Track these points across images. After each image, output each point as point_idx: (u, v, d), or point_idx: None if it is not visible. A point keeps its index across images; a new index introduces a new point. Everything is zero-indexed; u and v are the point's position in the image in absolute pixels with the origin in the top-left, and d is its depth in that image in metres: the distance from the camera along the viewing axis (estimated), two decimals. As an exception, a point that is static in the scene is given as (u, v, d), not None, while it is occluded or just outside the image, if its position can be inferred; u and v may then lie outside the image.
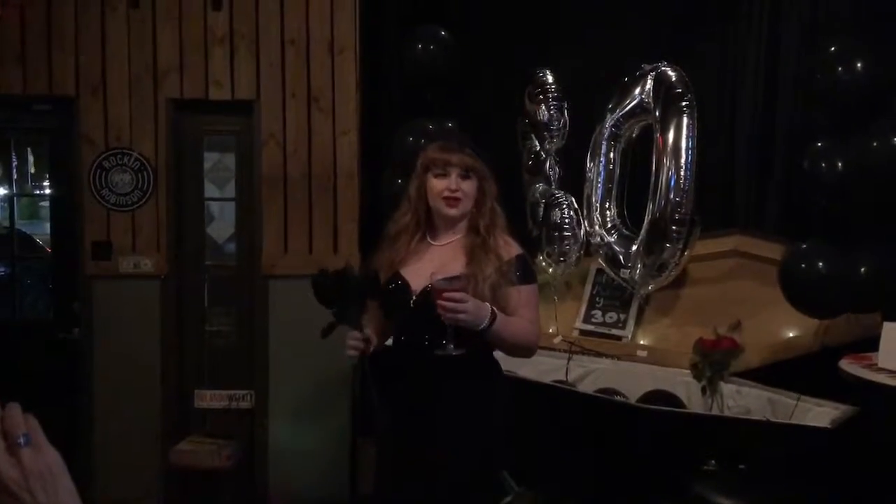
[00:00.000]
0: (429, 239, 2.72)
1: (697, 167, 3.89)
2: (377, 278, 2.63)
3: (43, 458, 0.91)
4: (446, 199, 2.63)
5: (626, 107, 4.21)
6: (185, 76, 4.55)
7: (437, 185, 2.65)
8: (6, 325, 4.77)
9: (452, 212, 2.65)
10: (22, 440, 0.90)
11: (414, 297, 2.60)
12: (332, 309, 2.55)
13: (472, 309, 2.41)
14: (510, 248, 2.63)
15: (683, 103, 3.89)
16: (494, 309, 2.47)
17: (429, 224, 2.73)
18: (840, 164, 3.61)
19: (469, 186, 2.65)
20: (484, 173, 2.68)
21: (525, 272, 2.62)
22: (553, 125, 4.39)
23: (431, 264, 2.59)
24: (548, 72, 4.42)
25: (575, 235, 4.34)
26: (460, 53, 4.49)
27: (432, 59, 4.43)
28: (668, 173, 3.88)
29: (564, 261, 4.37)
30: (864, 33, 3.75)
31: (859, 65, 3.57)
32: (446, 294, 2.39)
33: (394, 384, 2.68)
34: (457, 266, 2.56)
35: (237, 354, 4.75)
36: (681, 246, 3.95)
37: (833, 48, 3.69)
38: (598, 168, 4.32)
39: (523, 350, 2.68)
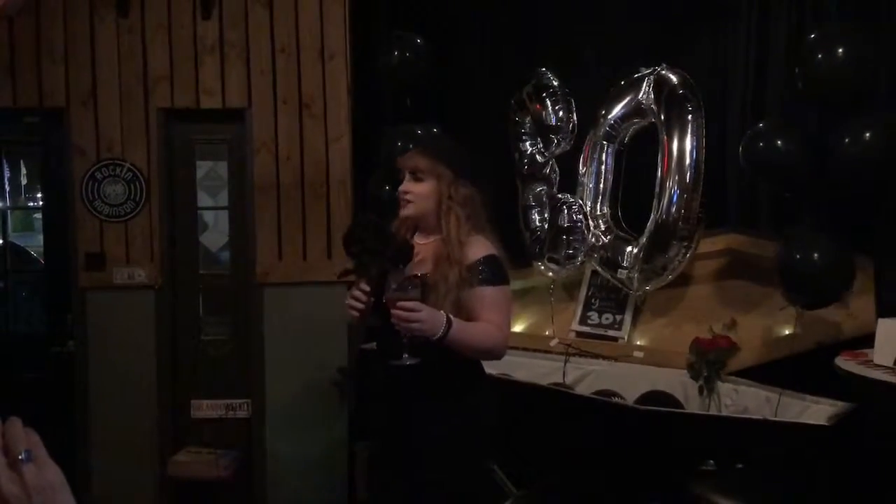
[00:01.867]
0: (417, 238, 2.76)
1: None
2: (411, 249, 2.61)
3: (44, 474, 0.90)
4: (400, 201, 2.70)
5: (622, 109, 4.21)
6: (176, 85, 4.55)
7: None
8: (0, 339, 4.75)
9: (403, 212, 2.70)
10: (24, 455, 0.89)
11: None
12: (354, 258, 2.57)
13: (427, 318, 2.39)
14: (478, 249, 2.60)
15: (689, 105, 3.91)
16: (450, 317, 2.44)
17: (419, 224, 2.78)
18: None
19: (420, 188, 2.66)
20: (439, 175, 2.65)
21: (493, 274, 2.58)
22: (561, 128, 4.37)
23: (411, 262, 2.64)
24: (549, 73, 4.39)
25: (584, 238, 4.32)
26: (437, 60, 4.49)
27: (409, 67, 4.42)
28: (674, 175, 3.89)
29: (571, 264, 4.36)
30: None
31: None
32: (400, 303, 2.37)
33: (373, 387, 2.76)
34: (425, 267, 2.58)
35: (233, 363, 4.74)
36: (684, 246, 3.96)
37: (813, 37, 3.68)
38: (592, 170, 4.32)
39: (487, 354, 2.65)
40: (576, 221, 4.30)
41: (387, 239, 2.57)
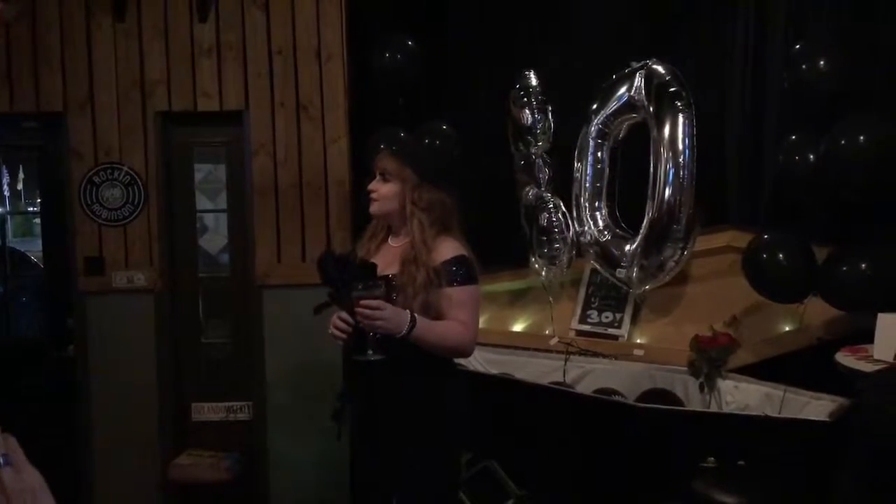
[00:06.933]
0: (389, 240, 2.84)
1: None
2: (374, 267, 2.65)
3: (24, 478, 0.90)
4: (369, 199, 2.78)
5: (613, 105, 4.20)
6: (173, 89, 4.55)
7: None
8: (1, 344, 4.76)
9: (371, 210, 2.79)
10: (1, 460, 0.89)
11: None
12: (329, 288, 2.65)
13: (390, 316, 2.47)
14: (446, 250, 2.67)
15: (678, 101, 3.89)
16: (415, 315, 2.52)
17: (391, 226, 2.85)
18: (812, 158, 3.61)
19: (386, 188, 2.75)
20: (404, 177, 2.73)
21: (460, 274, 2.65)
22: (537, 128, 4.37)
23: (380, 264, 2.70)
24: (531, 74, 4.39)
25: (564, 238, 4.33)
26: (435, 60, 4.49)
27: (399, 68, 4.42)
28: (666, 171, 3.87)
29: (556, 264, 4.36)
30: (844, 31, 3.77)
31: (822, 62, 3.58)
32: (363, 301, 2.46)
33: (349, 387, 2.88)
34: (394, 269, 2.66)
35: (234, 366, 4.74)
36: (681, 245, 3.95)
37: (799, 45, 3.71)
38: (587, 168, 4.31)
39: (453, 352, 2.72)
40: (553, 222, 4.31)
41: (345, 265, 2.64)
